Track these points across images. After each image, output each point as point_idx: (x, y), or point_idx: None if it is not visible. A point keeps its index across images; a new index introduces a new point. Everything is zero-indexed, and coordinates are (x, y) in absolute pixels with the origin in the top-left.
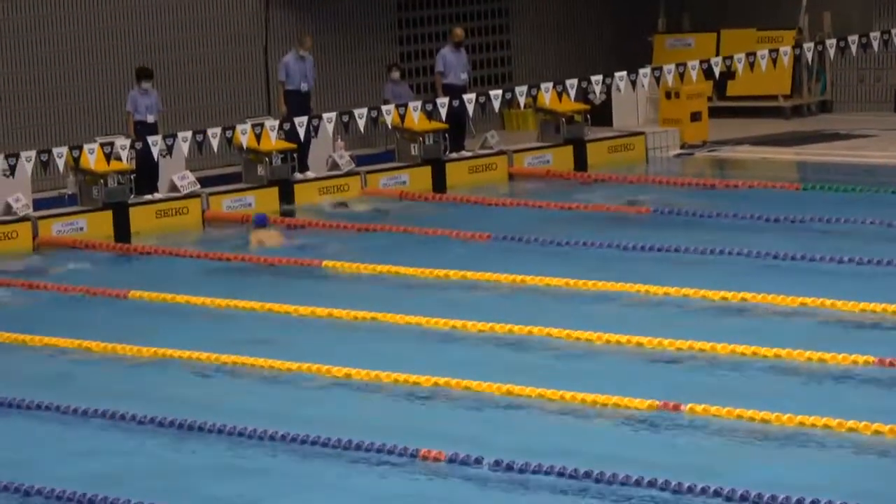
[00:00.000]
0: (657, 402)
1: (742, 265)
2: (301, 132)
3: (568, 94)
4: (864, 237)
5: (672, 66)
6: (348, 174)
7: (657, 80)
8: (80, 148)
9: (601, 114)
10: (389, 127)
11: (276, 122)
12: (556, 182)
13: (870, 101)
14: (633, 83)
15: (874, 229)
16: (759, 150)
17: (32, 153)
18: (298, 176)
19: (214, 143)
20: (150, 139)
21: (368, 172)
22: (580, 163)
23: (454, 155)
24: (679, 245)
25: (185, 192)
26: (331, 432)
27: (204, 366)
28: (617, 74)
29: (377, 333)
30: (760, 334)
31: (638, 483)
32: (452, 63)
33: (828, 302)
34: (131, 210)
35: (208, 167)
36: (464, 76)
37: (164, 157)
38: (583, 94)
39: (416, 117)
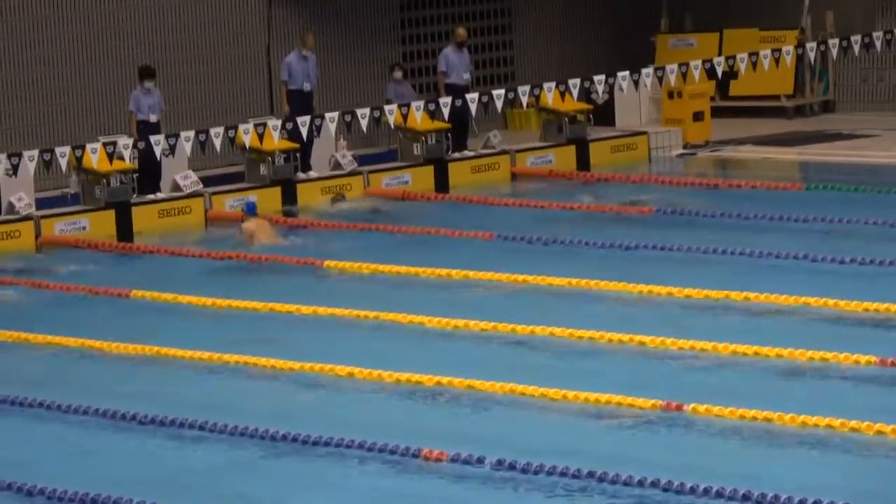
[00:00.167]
0: (660, 402)
1: (744, 265)
2: (303, 132)
3: (570, 94)
4: (867, 237)
5: (675, 66)
6: (351, 174)
7: (660, 79)
8: (83, 147)
9: (604, 114)
10: (392, 127)
11: (279, 122)
12: (558, 182)
13: (872, 100)
14: (636, 83)
15: (877, 229)
16: (762, 149)
17: (35, 152)
18: (301, 176)
19: (217, 142)
20: (152, 138)
21: (371, 172)
22: (583, 162)
23: (457, 155)
24: (681, 245)
25: (188, 191)
26: (333, 432)
27: (206, 365)
28: (619, 74)
29: (379, 333)
30: (763, 334)
31: (641, 483)
32: (455, 63)
33: (830, 302)
34: (134, 209)
35: (211, 167)
36: (466, 76)
37: (167, 156)
38: (585, 94)
39: (418, 117)
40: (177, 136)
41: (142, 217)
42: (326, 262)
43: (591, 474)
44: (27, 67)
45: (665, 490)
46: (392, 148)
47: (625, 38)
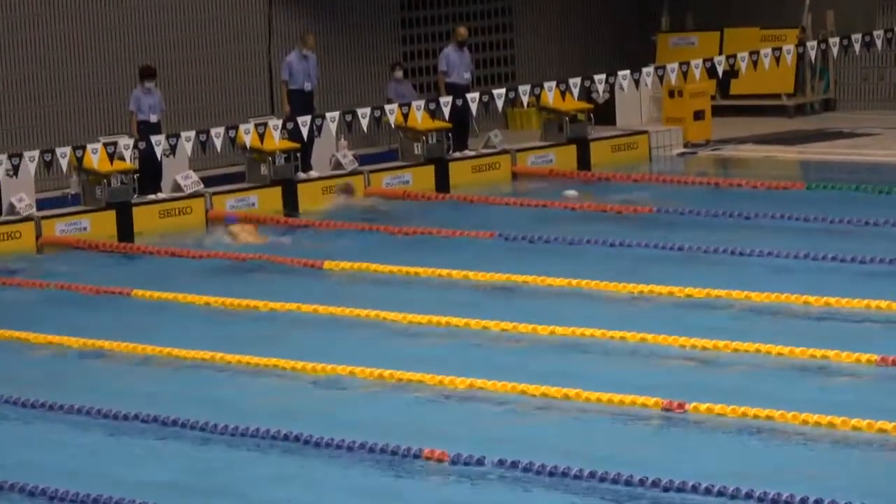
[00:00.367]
0: (661, 401)
1: (745, 264)
2: (304, 131)
3: (571, 93)
4: (868, 236)
5: (675, 65)
6: (351, 174)
7: (660, 78)
8: (84, 148)
9: (604, 113)
10: (393, 126)
11: (280, 122)
12: (559, 181)
13: (873, 99)
14: (637, 82)
15: (878, 228)
16: (763, 148)
17: (36, 153)
18: (302, 175)
19: (218, 142)
20: (153, 139)
21: (371, 172)
22: (583, 162)
23: (457, 154)
24: (682, 244)
25: (189, 191)
26: (333, 432)
27: (207, 365)
28: (620, 73)
29: (380, 333)
30: (764, 333)
31: (642, 483)
32: (455, 62)
33: (831, 300)
34: (134, 210)
35: (211, 167)
36: (467, 75)
37: (168, 156)
38: (586, 93)
39: (419, 116)
40: (177, 136)
41: (142, 217)
42: (327, 262)
43: (592, 474)
44: (27, 67)
45: (667, 490)
46: (393, 147)
47: (625, 37)
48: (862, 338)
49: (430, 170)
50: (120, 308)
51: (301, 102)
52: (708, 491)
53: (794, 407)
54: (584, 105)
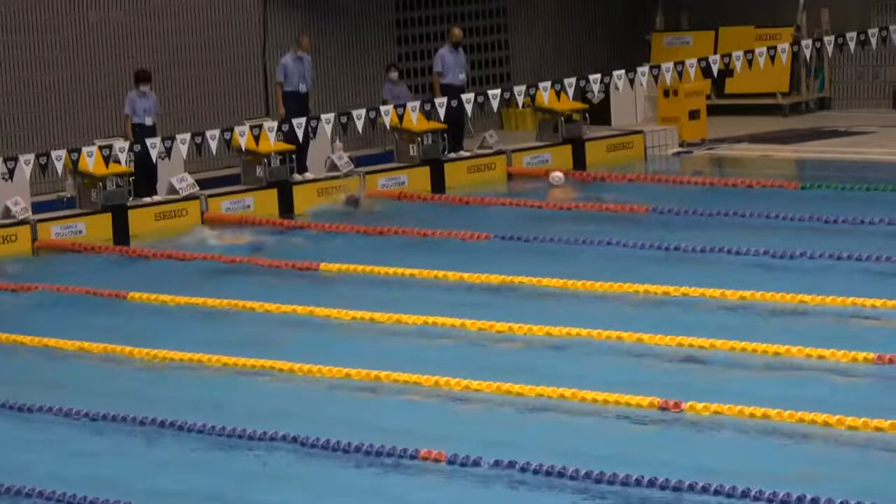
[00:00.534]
0: (657, 401)
1: (741, 263)
2: (300, 133)
3: (566, 93)
4: (863, 234)
5: (670, 65)
6: (347, 175)
7: (655, 78)
8: (79, 151)
9: (600, 113)
10: (388, 127)
11: (275, 124)
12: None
13: (868, 97)
14: (632, 82)
15: (873, 226)
16: (758, 147)
17: (31, 156)
18: (297, 177)
19: (213, 144)
20: (148, 141)
21: (367, 173)
22: (579, 162)
23: (453, 155)
24: (678, 243)
25: (184, 194)
26: (330, 433)
27: (202, 367)
28: (615, 73)
29: (376, 334)
30: (760, 332)
31: (638, 482)
32: (451, 63)
33: (827, 299)
34: (130, 212)
35: (207, 169)
36: (462, 76)
37: (163, 159)
38: (581, 93)
39: (414, 118)
40: (173, 138)
41: (138, 220)
42: (322, 264)
43: (588, 474)
44: (22, 71)
45: (663, 489)
46: (388, 149)
47: (620, 36)
48: (858, 336)
49: (425, 171)
50: (116, 311)
51: (296, 104)
52: (705, 490)
53: (791, 406)
54: (580, 105)
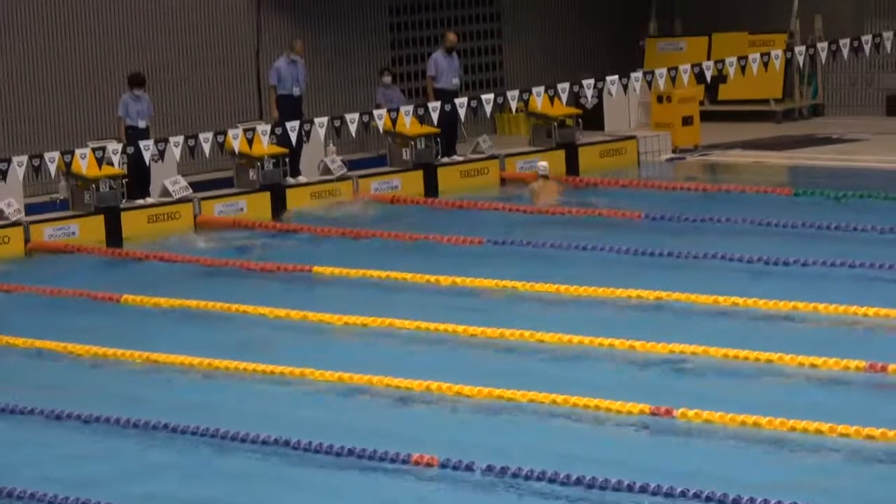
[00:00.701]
0: (649, 407)
1: (733, 269)
2: (293, 137)
3: (560, 99)
4: (856, 241)
5: (664, 70)
6: (340, 179)
7: (649, 84)
8: (72, 153)
9: (593, 118)
10: (381, 131)
11: (268, 127)
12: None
13: (861, 104)
14: (625, 87)
15: (865, 233)
16: (751, 153)
17: (24, 158)
18: (290, 181)
19: (206, 147)
20: (141, 144)
21: (360, 177)
22: (572, 167)
23: (446, 159)
24: (670, 249)
25: (177, 196)
26: (322, 437)
27: (195, 370)
28: (609, 78)
29: (368, 338)
30: (752, 339)
31: (630, 488)
32: (444, 67)
33: (819, 306)
34: (123, 215)
35: (200, 172)
36: (455, 80)
37: (156, 161)
38: (574, 99)
39: (407, 122)
40: (166, 140)
41: (131, 222)
42: (315, 268)
43: (580, 480)
44: (16, 73)
45: (655, 494)
46: (381, 153)
47: (614, 42)
48: (850, 344)
49: (418, 175)
50: (109, 313)
51: (289, 107)
52: (697, 496)
53: (783, 413)
54: (573, 110)
